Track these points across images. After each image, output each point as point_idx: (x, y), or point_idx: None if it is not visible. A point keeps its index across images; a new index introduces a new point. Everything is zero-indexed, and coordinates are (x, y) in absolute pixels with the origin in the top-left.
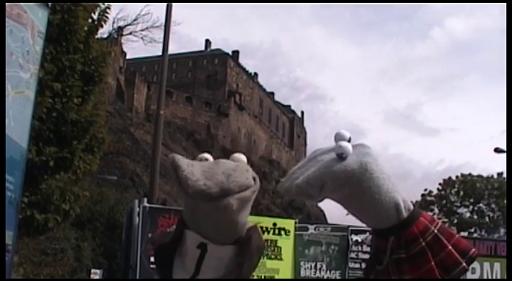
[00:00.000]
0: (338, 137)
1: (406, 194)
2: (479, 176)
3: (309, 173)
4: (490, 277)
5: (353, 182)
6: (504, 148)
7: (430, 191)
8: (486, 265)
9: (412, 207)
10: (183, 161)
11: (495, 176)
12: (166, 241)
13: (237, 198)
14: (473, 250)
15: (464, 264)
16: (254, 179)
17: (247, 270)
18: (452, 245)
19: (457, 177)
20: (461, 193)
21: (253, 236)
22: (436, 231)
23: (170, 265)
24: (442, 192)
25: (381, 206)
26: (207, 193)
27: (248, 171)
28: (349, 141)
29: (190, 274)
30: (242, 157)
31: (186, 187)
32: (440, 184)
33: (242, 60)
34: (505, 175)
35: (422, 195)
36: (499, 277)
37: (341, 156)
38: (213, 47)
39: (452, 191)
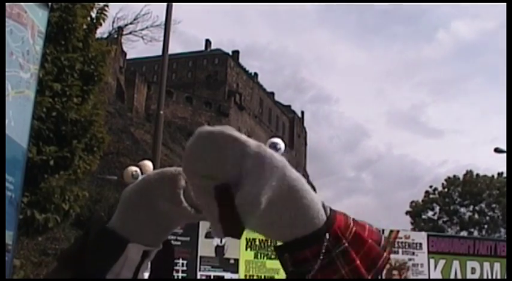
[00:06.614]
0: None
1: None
2: (482, 175)
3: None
4: (490, 277)
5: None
6: (504, 148)
7: (435, 188)
8: (486, 265)
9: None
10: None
11: (496, 176)
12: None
13: None
14: (380, 236)
15: (385, 254)
16: None
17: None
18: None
19: (459, 177)
20: (464, 192)
21: None
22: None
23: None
24: (445, 189)
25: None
26: None
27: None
28: (277, 150)
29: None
30: (149, 164)
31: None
32: (445, 179)
33: (248, 61)
34: (505, 175)
35: (426, 191)
36: (499, 277)
37: None
38: (213, 47)
39: (456, 190)
